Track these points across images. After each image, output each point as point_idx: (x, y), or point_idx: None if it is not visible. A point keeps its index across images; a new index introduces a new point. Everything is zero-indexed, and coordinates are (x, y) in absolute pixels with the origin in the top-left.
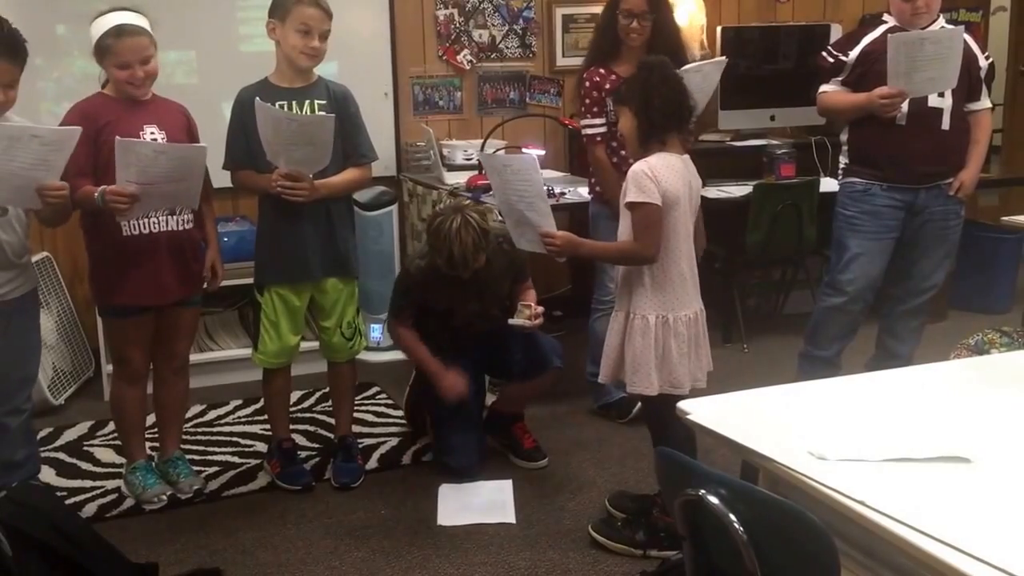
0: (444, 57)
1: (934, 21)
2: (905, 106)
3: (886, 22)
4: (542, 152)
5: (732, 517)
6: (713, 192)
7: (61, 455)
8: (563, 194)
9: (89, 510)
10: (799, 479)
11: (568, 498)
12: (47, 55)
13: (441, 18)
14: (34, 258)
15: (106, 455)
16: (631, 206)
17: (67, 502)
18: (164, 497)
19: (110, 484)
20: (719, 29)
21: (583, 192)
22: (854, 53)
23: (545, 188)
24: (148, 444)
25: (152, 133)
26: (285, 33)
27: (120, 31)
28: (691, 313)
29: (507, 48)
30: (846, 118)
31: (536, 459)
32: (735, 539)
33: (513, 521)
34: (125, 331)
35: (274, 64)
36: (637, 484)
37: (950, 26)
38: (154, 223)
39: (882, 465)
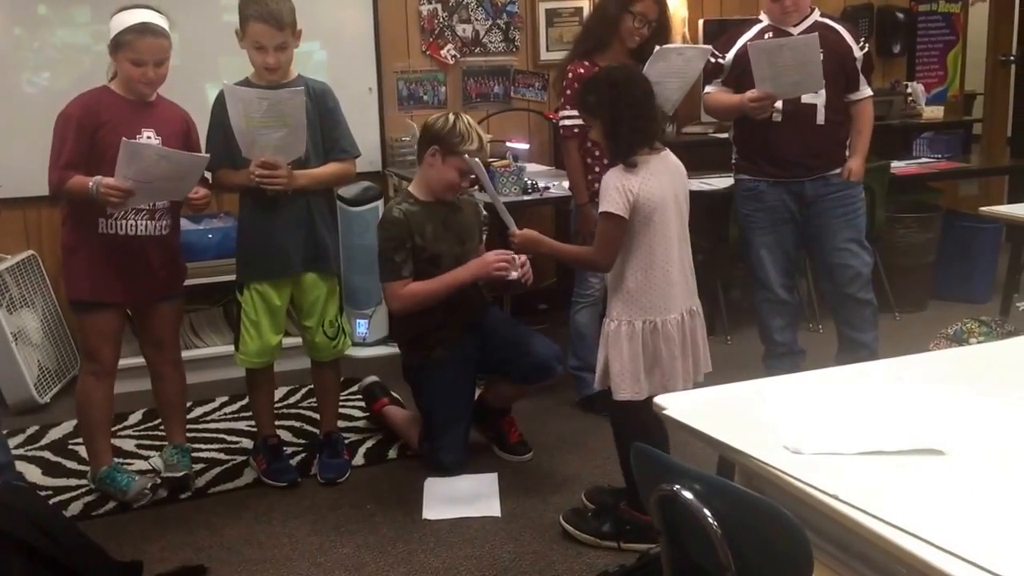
0: (428, 52)
1: (806, 17)
2: (780, 104)
3: (761, 21)
4: (526, 146)
5: (706, 512)
6: (696, 184)
7: (46, 454)
8: (547, 188)
9: (74, 508)
10: (774, 474)
11: (552, 491)
12: (27, 26)
13: (425, 13)
14: (19, 256)
15: None
16: (600, 215)
17: (52, 501)
18: (147, 491)
19: None
20: (701, 22)
21: (567, 186)
22: (730, 55)
23: (528, 182)
24: (142, 442)
25: (148, 137)
26: (247, 47)
27: (144, 28)
28: (680, 315)
29: (491, 43)
30: (728, 118)
31: (521, 453)
32: (709, 534)
33: (498, 514)
34: (93, 325)
35: None
36: (620, 478)
37: (808, 33)
38: (132, 225)
39: (856, 458)
